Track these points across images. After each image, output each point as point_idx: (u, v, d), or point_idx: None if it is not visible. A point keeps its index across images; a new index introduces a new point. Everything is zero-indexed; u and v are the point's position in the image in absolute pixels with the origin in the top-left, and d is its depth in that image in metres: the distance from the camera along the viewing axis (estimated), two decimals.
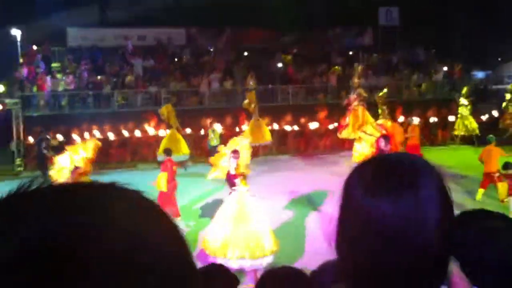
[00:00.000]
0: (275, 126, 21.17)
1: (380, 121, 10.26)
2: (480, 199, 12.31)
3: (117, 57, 24.87)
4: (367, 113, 15.74)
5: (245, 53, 27.76)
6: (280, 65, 26.24)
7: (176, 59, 26.06)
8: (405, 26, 29.67)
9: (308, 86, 24.51)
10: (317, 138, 21.77)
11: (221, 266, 2.83)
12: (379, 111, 19.15)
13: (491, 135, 13.83)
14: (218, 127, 18.90)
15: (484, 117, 22.37)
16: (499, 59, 30.06)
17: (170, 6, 28.33)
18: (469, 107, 20.89)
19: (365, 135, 9.76)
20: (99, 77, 22.48)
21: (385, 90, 19.81)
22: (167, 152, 12.07)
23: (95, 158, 10.54)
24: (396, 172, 1.20)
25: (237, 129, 20.32)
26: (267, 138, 19.30)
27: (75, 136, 18.99)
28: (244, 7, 27.19)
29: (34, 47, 23.55)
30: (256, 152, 19.30)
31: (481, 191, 12.47)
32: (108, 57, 24.70)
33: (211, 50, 27.59)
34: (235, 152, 8.99)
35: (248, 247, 8.37)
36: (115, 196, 0.65)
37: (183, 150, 17.30)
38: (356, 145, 9.86)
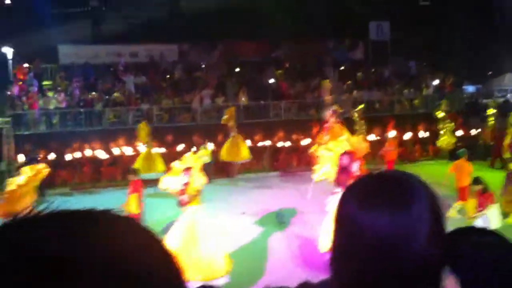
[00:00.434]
0: (267, 142, 21.16)
1: (343, 137, 10.02)
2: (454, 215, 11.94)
3: (110, 74, 24.85)
4: (345, 130, 15.69)
5: (237, 69, 27.79)
6: (272, 80, 26.27)
7: (168, 76, 26.06)
8: (396, 40, 29.86)
9: (300, 101, 24.54)
10: (310, 154, 21.72)
11: None
12: (356, 126, 19.31)
13: (462, 149, 13.93)
14: (210, 146, 18.97)
15: (473, 131, 22.47)
16: (490, 73, 30.26)
17: (162, 23, 28.40)
18: (447, 121, 20.89)
19: (326, 153, 9.52)
20: (91, 94, 22.44)
21: (361, 105, 19.93)
22: (135, 172, 11.97)
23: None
24: (391, 188, 1.25)
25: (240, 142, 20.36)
26: (245, 156, 18.88)
27: (67, 155, 18.98)
28: (236, 21, 27.28)
29: (26, 65, 23.52)
30: (231, 171, 19.33)
31: (459, 204, 12.30)
32: (101, 74, 24.68)
33: (203, 66, 27.62)
34: (188, 169, 8.89)
35: (200, 269, 8.30)
36: (111, 224, 0.70)
37: (159, 168, 17.14)
38: (318, 163, 9.64)
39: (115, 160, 19.36)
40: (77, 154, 19.16)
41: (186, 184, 8.85)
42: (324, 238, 9.16)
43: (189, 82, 25.26)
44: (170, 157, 19.05)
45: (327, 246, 8.92)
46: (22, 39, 22.58)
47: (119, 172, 18.64)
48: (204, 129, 20.23)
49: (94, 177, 19.29)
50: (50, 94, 22.18)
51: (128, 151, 19.06)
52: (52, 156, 18.89)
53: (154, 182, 16.52)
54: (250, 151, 20.84)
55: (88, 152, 19.24)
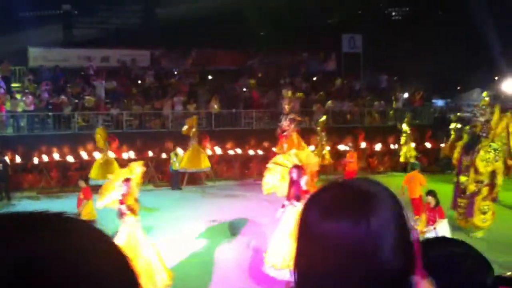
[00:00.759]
0: (238, 151, 21.13)
1: (292, 151, 9.94)
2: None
3: (79, 78, 24.55)
4: (300, 139, 15.71)
5: (210, 77, 27.77)
6: (244, 89, 26.30)
7: (139, 81, 25.87)
8: (368, 53, 30.24)
9: (272, 110, 24.58)
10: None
11: None
12: (318, 137, 19.45)
13: (415, 162, 13.97)
14: (180, 151, 18.87)
15: (443, 145, 22.76)
16: (458, 88, 30.83)
17: (135, 28, 28.25)
18: (409, 133, 21.16)
19: (275, 166, 9.42)
20: (61, 98, 22.11)
21: (324, 117, 20.07)
22: (86, 180, 12.27)
23: None
24: (354, 197, 1.22)
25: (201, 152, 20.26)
26: (206, 164, 18.87)
27: (35, 158, 18.66)
28: (210, 29, 27.30)
29: None
30: (193, 179, 19.14)
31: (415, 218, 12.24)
32: (71, 78, 24.37)
33: (175, 72, 27.51)
34: (127, 180, 8.76)
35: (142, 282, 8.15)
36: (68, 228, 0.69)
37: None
38: (267, 176, 9.44)
39: (83, 165, 19.07)
40: (45, 158, 18.83)
41: (124, 195, 8.63)
42: (272, 251, 9.09)
43: (161, 89, 25.12)
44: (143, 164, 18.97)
45: (273, 259, 8.87)
46: None
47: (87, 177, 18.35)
48: (175, 136, 20.07)
49: (62, 182, 18.98)
50: (18, 96, 21.80)
51: (97, 155, 18.82)
52: (18, 159, 18.55)
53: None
54: (221, 159, 20.84)
55: (56, 156, 18.92)
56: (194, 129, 18.83)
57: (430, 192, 10.58)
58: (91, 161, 18.62)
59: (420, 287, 1.28)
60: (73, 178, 18.87)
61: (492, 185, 11.93)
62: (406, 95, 26.92)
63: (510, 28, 26.09)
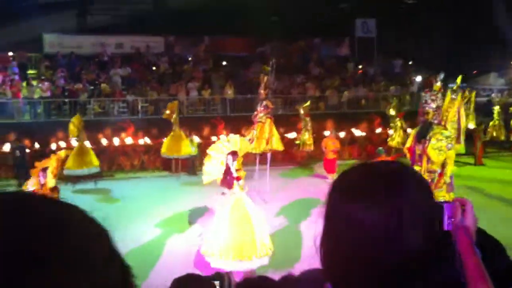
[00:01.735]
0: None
1: (232, 136, 9.48)
2: None
3: (94, 65, 24.62)
4: (273, 127, 15.21)
5: (224, 62, 27.75)
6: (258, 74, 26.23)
7: (154, 68, 25.90)
8: (382, 38, 30.02)
9: (286, 96, 24.57)
10: (295, 149, 21.79)
11: (198, 276, 2.81)
12: (302, 122, 18.91)
13: (380, 148, 13.74)
14: (196, 138, 18.91)
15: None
16: (475, 72, 30.56)
17: (148, 15, 28.21)
18: (397, 119, 20.25)
19: (214, 153, 8.91)
20: (76, 85, 22.23)
21: (308, 102, 19.70)
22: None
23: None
24: (381, 178, 1.23)
25: (215, 138, 20.24)
26: (186, 151, 17.98)
27: (52, 144, 18.78)
28: (223, 16, 27.21)
29: (10, 53, 23.18)
30: (176, 166, 18.58)
31: None
32: (85, 65, 24.46)
33: (189, 59, 27.50)
34: (44, 170, 8.90)
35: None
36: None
37: (94, 162, 16.76)
38: (206, 164, 8.95)
39: (101, 151, 19.18)
40: (62, 144, 18.94)
41: (43, 185, 8.64)
42: (208, 240, 8.75)
43: (175, 75, 25.15)
44: (155, 149, 19.08)
45: (208, 248, 8.55)
46: (7, 28, 22.28)
47: (105, 163, 18.46)
48: (190, 122, 20.11)
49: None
50: (34, 83, 21.92)
51: (115, 142, 18.94)
52: (36, 145, 18.69)
53: (87, 178, 16.55)
54: None
55: (73, 143, 19.02)
56: (175, 115, 17.98)
57: None
58: (109, 147, 18.76)
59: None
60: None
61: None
62: (419, 78, 26.72)
63: None
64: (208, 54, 27.72)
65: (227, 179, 8.64)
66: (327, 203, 1.27)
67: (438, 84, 11.13)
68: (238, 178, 8.56)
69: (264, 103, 15.50)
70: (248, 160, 16.38)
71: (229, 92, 23.49)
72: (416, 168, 10.63)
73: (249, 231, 8.37)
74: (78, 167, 16.27)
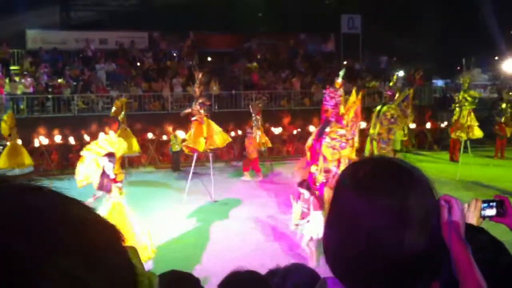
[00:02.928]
0: (239, 132, 21.10)
1: (105, 137, 8.96)
2: None
3: (78, 61, 24.44)
4: (212, 124, 14.92)
5: (209, 58, 27.66)
6: (243, 70, 26.23)
7: (138, 64, 25.75)
8: (367, 34, 30.09)
9: (271, 91, 24.54)
10: (281, 144, 21.82)
11: (184, 272, 2.76)
12: (253, 120, 18.46)
13: None
14: (180, 133, 18.85)
15: (443, 124, 22.86)
16: (458, 67, 30.76)
17: (133, 10, 28.05)
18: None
19: (89, 154, 8.41)
20: (59, 80, 22.05)
21: (260, 100, 19.45)
22: None
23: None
24: (392, 172, 1.23)
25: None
26: (135, 149, 17.38)
27: (35, 141, 18.63)
28: (208, 12, 27.14)
29: None
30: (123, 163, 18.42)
31: None
32: (69, 61, 24.28)
33: (174, 54, 27.39)
34: (111, 154, 8.38)
35: None
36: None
37: (26, 162, 16.49)
38: (79, 166, 8.46)
39: (84, 147, 19.03)
40: (45, 141, 18.80)
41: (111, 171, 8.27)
42: None
43: (160, 71, 25.03)
44: (140, 145, 18.97)
45: None
46: None
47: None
48: (175, 118, 20.03)
49: (62, 164, 18.97)
50: (17, 79, 21.71)
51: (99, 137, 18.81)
52: (19, 142, 18.50)
53: (21, 178, 16.33)
54: None
55: (56, 139, 18.90)
56: (123, 112, 17.32)
57: (302, 183, 9.35)
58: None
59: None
60: (74, 160, 18.89)
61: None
62: (401, 73, 26.82)
63: (510, 8, 25.98)
64: (193, 50, 27.58)
65: (105, 183, 8.17)
66: (338, 198, 1.26)
67: (339, 81, 10.79)
68: (115, 181, 8.17)
69: (200, 100, 15.09)
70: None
71: (214, 88, 23.42)
72: (313, 167, 10.41)
73: (129, 236, 7.93)
74: (9, 167, 15.90)
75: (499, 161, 20.12)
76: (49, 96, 21.13)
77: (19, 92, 20.90)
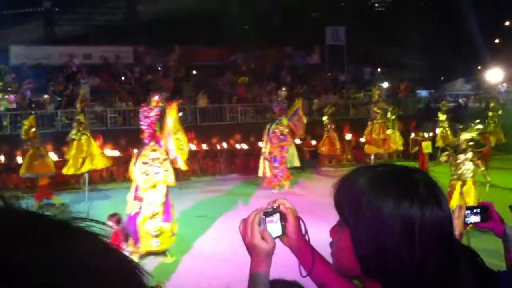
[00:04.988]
0: (224, 145, 21.06)
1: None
2: None
3: (62, 76, 24.33)
4: (93, 143, 14.62)
5: (194, 72, 27.67)
6: (229, 83, 26.27)
7: (123, 78, 25.68)
8: (352, 45, 30.28)
9: (257, 104, 24.57)
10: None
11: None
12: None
13: None
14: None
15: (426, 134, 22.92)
16: (442, 78, 31.02)
17: (117, 24, 28.03)
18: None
19: None
20: (45, 96, 21.94)
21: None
22: None
23: None
24: (420, 182, 1.25)
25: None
26: (51, 169, 15.85)
27: (18, 157, 18.44)
28: (192, 25, 27.18)
29: None
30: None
31: None
32: (53, 76, 24.17)
33: (159, 68, 27.37)
34: None
35: None
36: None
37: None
38: None
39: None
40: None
41: None
42: None
43: (145, 85, 24.97)
44: (124, 160, 18.86)
45: None
46: None
47: (70, 175, 18.15)
48: (160, 131, 19.93)
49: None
50: (0, 95, 21.56)
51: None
52: (2, 159, 18.36)
53: None
54: (207, 154, 20.67)
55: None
56: (33, 129, 15.74)
57: (113, 216, 8.52)
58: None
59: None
60: (58, 177, 18.72)
61: None
62: (386, 84, 27.00)
63: (492, 19, 26.28)
64: (178, 64, 27.59)
65: None
66: (373, 207, 1.24)
67: (156, 98, 10.37)
68: None
69: (77, 117, 14.71)
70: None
71: (200, 102, 23.42)
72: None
73: None
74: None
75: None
76: (33, 112, 20.99)
77: (2, 108, 20.76)
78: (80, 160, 13.97)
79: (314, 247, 1.73)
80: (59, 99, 22.08)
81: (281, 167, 15.77)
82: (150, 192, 9.20)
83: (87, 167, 14.35)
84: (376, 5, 37.38)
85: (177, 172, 18.79)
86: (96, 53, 26.79)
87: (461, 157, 10.87)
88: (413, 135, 21.79)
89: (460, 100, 26.60)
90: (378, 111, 18.09)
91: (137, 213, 9.19)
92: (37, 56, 25.24)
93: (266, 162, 15.70)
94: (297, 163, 16.66)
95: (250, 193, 16.33)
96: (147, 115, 9.61)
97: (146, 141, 9.67)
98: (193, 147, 19.96)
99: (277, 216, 1.66)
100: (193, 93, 24.15)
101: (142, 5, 30.58)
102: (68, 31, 28.08)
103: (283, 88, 16.05)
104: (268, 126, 15.93)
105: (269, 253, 1.62)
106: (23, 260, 0.57)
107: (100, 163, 14.56)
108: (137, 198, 9.30)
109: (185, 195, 16.58)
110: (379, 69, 29.77)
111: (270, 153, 15.63)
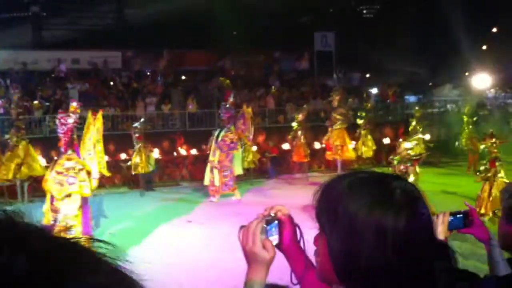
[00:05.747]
0: None
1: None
2: None
3: (50, 81, 24.19)
4: (31, 150, 14.37)
5: (183, 77, 27.63)
6: (217, 88, 26.24)
7: (111, 83, 25.57)
8: (340, 51, 30.39)
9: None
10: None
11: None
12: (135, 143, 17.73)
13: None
14: (155, 154, 18.72)
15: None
16: (430, 83, 31.16)
17: (105, 29, 27.93)
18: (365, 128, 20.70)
19: None
20: (31, 102, 21.76)
21: (141, 120, 18.90)
22: None
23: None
24: (397, 190, 1.24)
25: (175, 154, 20.25)
26: (9, 176, 15.43)
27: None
28: (180, 30, 27.14)
29: None
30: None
31: None
32: (41, 81, 24.01)
33: (148, 73, 27.30)
34: None
35: None
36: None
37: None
38: None
39: None
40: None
41: None
42: None
43: (133, 90, 24.89)
44: (112, 165, 18.76)
45: None
46: None
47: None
48: (149, 137, 19.87)
49: (33, 186, 18.62)
50: None
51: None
52: None
53: None
54: (196, 159, 20.61)
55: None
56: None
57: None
58: None
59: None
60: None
61: None
62: (375, 90, 27.09)
63: (479, 24, 26.47)
64: (167, 69, 27.55)
65: None
66: (348, 214, 1.23)
67: (74, 104, 10.17)
68: None
69: (15, 124, 14.62)
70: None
71: (190, 107, 23.37)
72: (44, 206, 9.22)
73: None
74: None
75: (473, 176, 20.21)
76: (20, 117, 20.79)
77: None
78: (14, 166, 13.61)
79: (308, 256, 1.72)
80: (47, 104, 21.92)
81: (230, 175, 15.52)
82: (65, 202, 8.79)
83: (24, 173, 13.95)
84: (365, 11, 37.53)
85: (163, 177, 18.83)
86: (84, 57, 26.66)
87: (401, 167, 11.05)
88: (400, 140, 21.89)
89: (448, 106, 26.67)
90: (338, 117, 17.99)
91: (54, 225, 8.70)
92: (24, 61, 25.05)
93: (215, 171, 15.37)
94: (239, 171, 16.20)
95: (241, 199, 16.30)
96: (64, 122, 9.34)
97: (62, 150, 9.38)
98: (183, 152, 19.94)
99: (275, 224, 1.66)
100: (182, 98, 24.09)
101: (130, 9, 30.52)
102: (55, 36, 27.91)
103: (231, 95, 15.91)
104: (216, 133, 15.58)
105: (269, 262, 1.61)
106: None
107: (37, 171, 14.20)
108: (53, 209, 8.87)
109: (174, 200, 16.55)
110: (367, 75, 29.87)
111: (219, 161, 15.32)
